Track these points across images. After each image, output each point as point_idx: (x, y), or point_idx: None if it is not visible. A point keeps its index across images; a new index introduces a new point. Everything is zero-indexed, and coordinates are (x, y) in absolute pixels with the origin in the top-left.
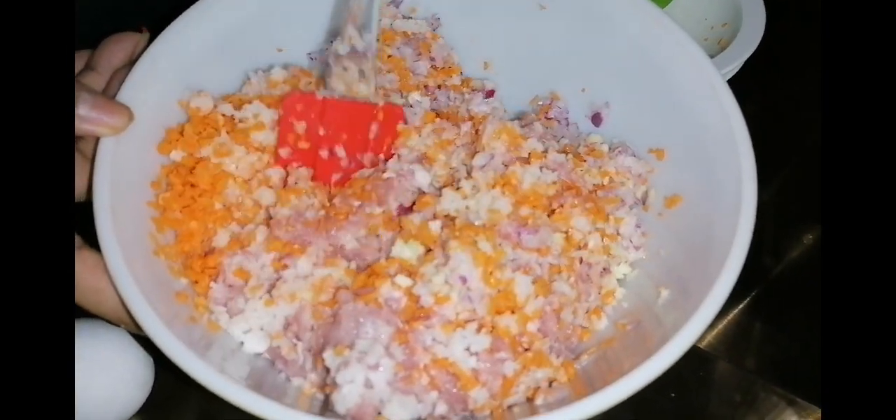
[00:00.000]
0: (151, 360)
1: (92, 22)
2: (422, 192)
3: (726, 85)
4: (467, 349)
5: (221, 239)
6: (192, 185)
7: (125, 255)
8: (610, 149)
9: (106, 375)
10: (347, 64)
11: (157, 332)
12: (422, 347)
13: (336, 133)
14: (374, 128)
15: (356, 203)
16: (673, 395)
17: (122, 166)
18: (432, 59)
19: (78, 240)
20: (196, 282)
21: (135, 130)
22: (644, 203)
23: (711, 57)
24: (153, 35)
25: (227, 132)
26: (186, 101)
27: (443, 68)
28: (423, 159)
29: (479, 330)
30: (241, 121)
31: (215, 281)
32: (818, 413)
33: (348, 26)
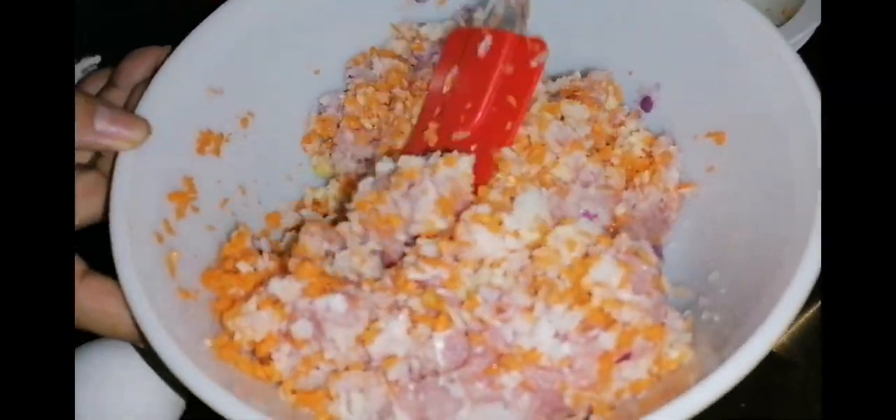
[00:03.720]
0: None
1: (113, 38)
2: None
3: (797, 56)
4: (556, 334)
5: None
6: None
7: (144, 284)
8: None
9: (137, 389)
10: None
11: (176, 363)
12: (503, 344)
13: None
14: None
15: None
16: (743, 404)
17: (141, 182)
18: None
19: (84, 265)
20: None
21: (154, 144)
22: None
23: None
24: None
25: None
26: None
27: None
28: None
29: (570, 306)
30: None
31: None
32: None
33: None
